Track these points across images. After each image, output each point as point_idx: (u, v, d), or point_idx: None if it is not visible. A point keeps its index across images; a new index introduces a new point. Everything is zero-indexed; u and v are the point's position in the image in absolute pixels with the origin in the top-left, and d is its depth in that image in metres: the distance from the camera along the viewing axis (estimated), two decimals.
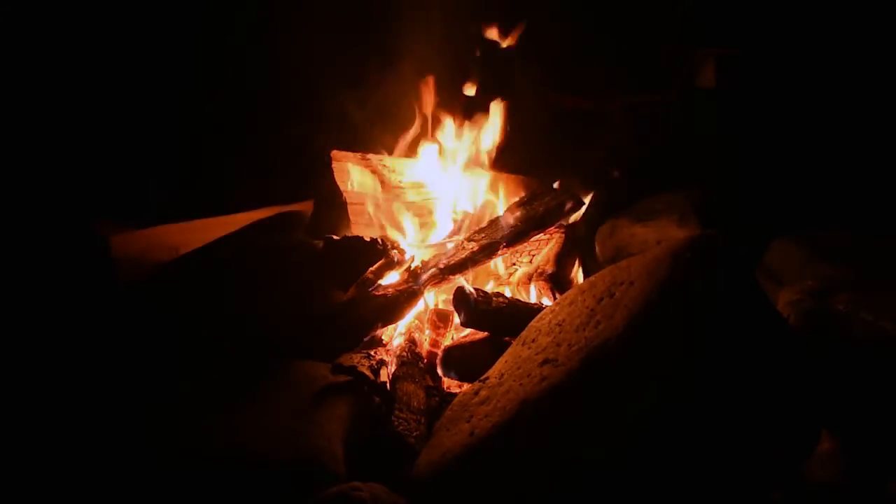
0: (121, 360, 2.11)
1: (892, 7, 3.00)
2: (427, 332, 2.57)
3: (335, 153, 3.03)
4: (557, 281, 2.85)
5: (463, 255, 2.63)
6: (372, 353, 2.22)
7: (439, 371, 2.39)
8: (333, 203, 3.04)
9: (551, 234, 2.87)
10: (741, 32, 3.29)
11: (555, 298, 2.68)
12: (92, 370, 2.09)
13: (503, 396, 1.76)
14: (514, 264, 2.89)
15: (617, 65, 3.38)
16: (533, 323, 2.08)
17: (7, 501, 1.71)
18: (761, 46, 3.25)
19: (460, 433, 1.75)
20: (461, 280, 2.60)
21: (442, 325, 2.57)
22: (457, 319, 2.44)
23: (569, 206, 2.84)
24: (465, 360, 2.35)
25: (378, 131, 3.09)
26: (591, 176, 2.98)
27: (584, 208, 2.90)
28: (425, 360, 2.42)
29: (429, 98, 3.04)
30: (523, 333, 2.08)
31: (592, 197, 2.95)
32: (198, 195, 2.99)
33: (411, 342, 2.43)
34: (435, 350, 2.48)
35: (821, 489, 1.76)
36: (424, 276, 2.54)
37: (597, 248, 3.06)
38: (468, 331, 2.47)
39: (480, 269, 2.76)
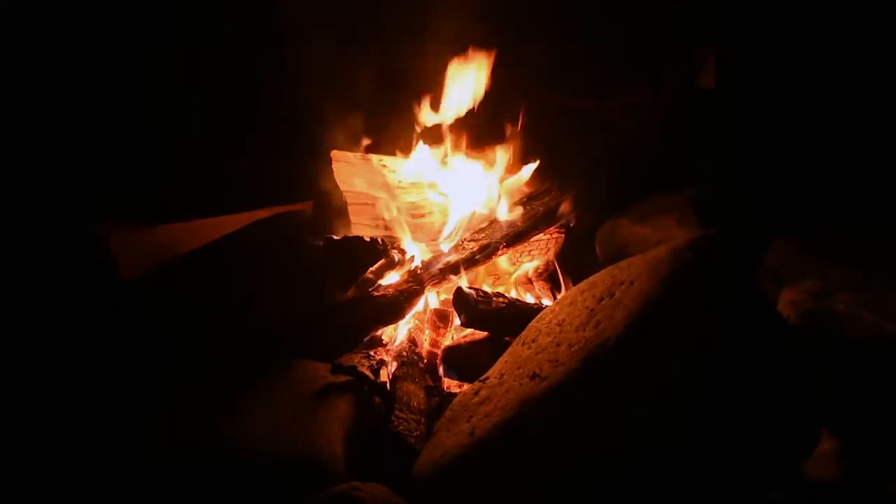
0: (121, 360, 2.11)
1: (892, 7, 3.00)
2: (427, 332, 2.57)
3: (335, 153, 3.03)
4: (557, 281, 2.85)
5: (463, 255, 2.63)
6: (372, 353, 2.22)
7: (439, 371, 2.39)
8: (333, 203, 3.04)
9: (551, 234, 2.88)
10: (741, 32, 3.29)
11: (555, 298, 2.68)
12: (92, 369, 2.09)
13: (503, 396, 1.76)
14: (514, 264, 2.90)
15: (617, 65, 3.38)
16: (533, 323, 2.08)
17: (7, 501, 1.71)
18: (761, 46, 3.24)
19: (460, 433, 1.75)
20: (461, 280, 2.60)
21: (442, 325, 2.57)
22: (457, 320, 2.44)
23: (569, 205, 2.84)
24: (465, 360, 2.35)
25: (379, 131, 3.09)
26: (591, 176, 2.98)
27: (583, 208, 2.90)
28: (425, 360, 2.42)
29: (434, 98, 3.04)
30: (523, 333, 2.08)
31: (592, 197, 2.95)
32: (198, 195, 2.98)
33: (411, 342, 2.44)
34: (435, 350, 2.48)
35: (821, 489, 1.76)
36: (425, 276, 2.54)
37: (597, 248, 3.06)
38: (468, 331, 2.47)
39: (481, 268, 2.76)
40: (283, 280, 2.38)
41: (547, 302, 2.66)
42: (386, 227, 2.92)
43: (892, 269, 2.16)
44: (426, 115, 3.02)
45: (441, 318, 2.59)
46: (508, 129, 3.02)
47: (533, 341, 1.96)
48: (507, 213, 2.82)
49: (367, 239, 2.49)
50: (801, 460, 1.65)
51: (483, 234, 2.72)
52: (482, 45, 3.01)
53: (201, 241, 2.61)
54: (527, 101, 3.09)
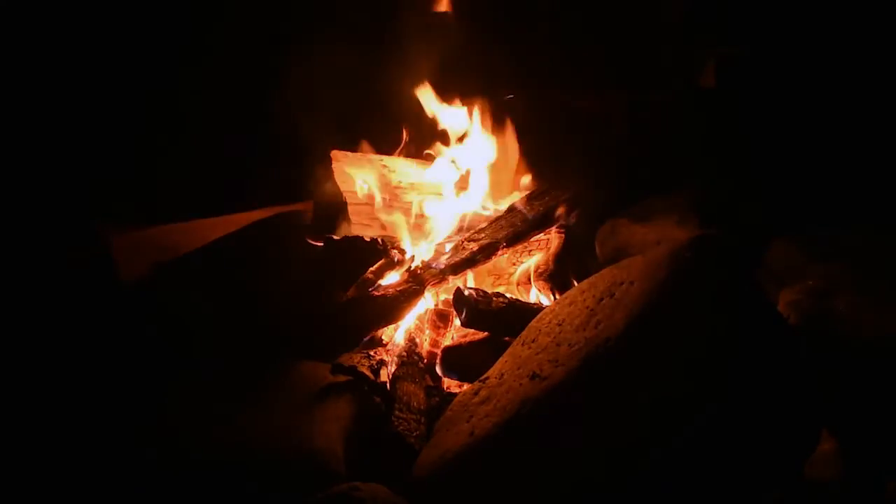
0: (121, 360, 2.11)
1: (892, 7, 3.00)
2: (427, 332, 2.57)
3: (335, 153, 3.03)
4: (557, 281, 2.85)
5: (463, 255, 2.63)
6: (372, 353, 2.22)
7: (439, 371, 2.39)
8: (333, 203, 3.04)
9: (551, 234, 2.87)
10: (741, 32, 3.29)
11: (555, 298, 2.68)
12: (92, 370, 2.09)
13: (503, 396, 1.76)
14: (514, 264, 2.89)
15: (617, 65, 3.37)
16: (533, 323, 2.08)
17: (7, 501, 1.71)
18: (762, 46, 3.24)
19: (460, 433, 1.75)
20: (460, 280, 2.60)
21: (442, 325, 2.57)
22: (457, 320, 2.44)
23: (569, 205, 2.84)
24: (465, 360, 2.35)
25: (378, 131, 3.09)
26: (591, 176, 2.98)
27: (583, 208, 2.90)
28: (425, 360, 2.42)
29: (432, 97, 3.04)
30: (523, 333, 2.08)
31: (592, 197, 2.94)
32: (198, 195, 2.98)
33: (411, 342, 2.43)
34: (435, 350, 2.48)
35: (821, 489, 1.76)
36: (425, 276, 2.54)
37: (597, 248, 3.05)
38: (468, 331, 2.47)
39: (481, 268, 2.76)
40: (282, 280, 2.38)
41: (547, 302, 2.66)
42: (386, 227, 2.92)
43: (892, 269, 2.16)
44: (425, 115, 3.02)
45: (441, 318, 2.59)
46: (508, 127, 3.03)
47: (533, 341, 1.96)
48: (506, 213, 2.81)
49: (367, 239, 2.49)
50: (801, 460, 1.65)
51: (483, 234, 2.72)
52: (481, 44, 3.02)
53: (201, 241, 2.61)
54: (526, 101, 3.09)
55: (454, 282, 2.59)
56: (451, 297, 2.44)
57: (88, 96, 3.04)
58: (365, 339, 2.36)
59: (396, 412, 1.97)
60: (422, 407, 2.05)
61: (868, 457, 1.78)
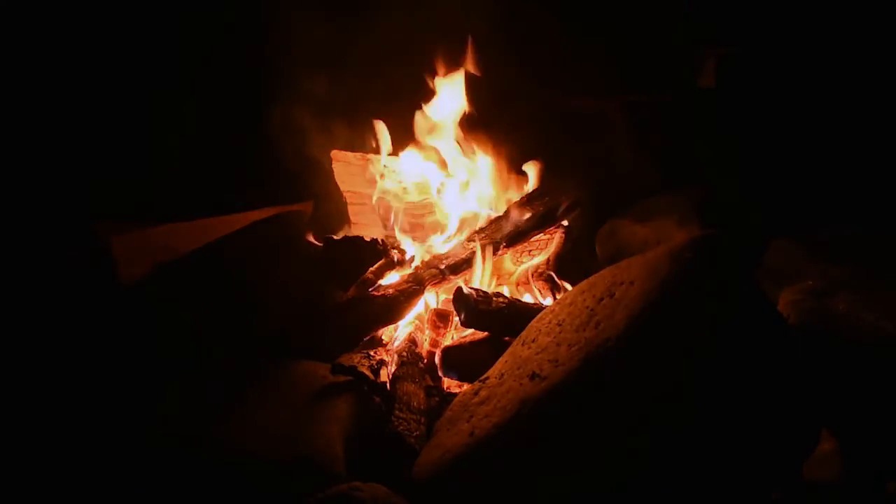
0: (121, 360, 2.11)
1: (892, 7, 3.00)
2: (427, 332, 2.57)
3: (335, 153, 3.03)
4: (557, 281, 2.85)
5: (463, 255, 2.63)
6: (372, 353, 2.22)
7: (439, 371, 2.39)
8: (333, 203, 3.04)
9: (551, 234, 2.88)
10: (742, 32, 3.30)
11: (555, 298, 2.68)
12: (92, 370, 2.09)
13: (503, 396, 1.76)
14: (514, 264, 2.90)
15: (617, 65, 3.38)
16: (533, 323, 2.08)
17: (7, 501, 1.71)
18: (762, 46, 3.25)
19: (460, 433, 1.75)
20: (461, 280, 2.60)
21: (442, 325, 2.57)
22: (457, 319, 2.44)
23: (569, 206, 2.84)
24: (465, 360, 2.35)
25: (378, 131, 3.09)
26: (590, 176, 2.98)
27: (583, 208, 2.90)
28: (425, 360, 2.42)
29: (430, 95, 3.04)
30: (523, 333, 2.08)
31: (592, 197, 2.94)
32: (198, 195, 2.99)
33: (411, 342, 2.43)
34: (435, 350, 2.48)
35: (821, 489, 1.76)
36: (425, 276, 2.54)
37: (597, 248, 3.06)
38: (468, 331, 2.47)
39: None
40: (282, 280, 2.38)
41: (547, 302, 2.66)
42: (386, 227, 2.92)
43: (892, 269, 2.16)
44: (426, 115, 3.02)
45: (441, 318, 2.59)
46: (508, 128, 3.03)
47: (533, 341, 1.96)
48: (506, 213, 2.81)
49: (367, 239, 2.49)
50: (801, 460, 1.65)
51: (483, 234, 2.72)
52: (482, 43, 3.02)
53: (201, 241, 2.61)
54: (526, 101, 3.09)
55: (454, 282, 2.59)
56: (451, 297, 2.44)
57: (89, 96, 3.05)
58: (365, 339, 2.36)
59: (396, 412, 1.97)
60: (422, 407, 2.05)
61: (868, 457, 1.78)
